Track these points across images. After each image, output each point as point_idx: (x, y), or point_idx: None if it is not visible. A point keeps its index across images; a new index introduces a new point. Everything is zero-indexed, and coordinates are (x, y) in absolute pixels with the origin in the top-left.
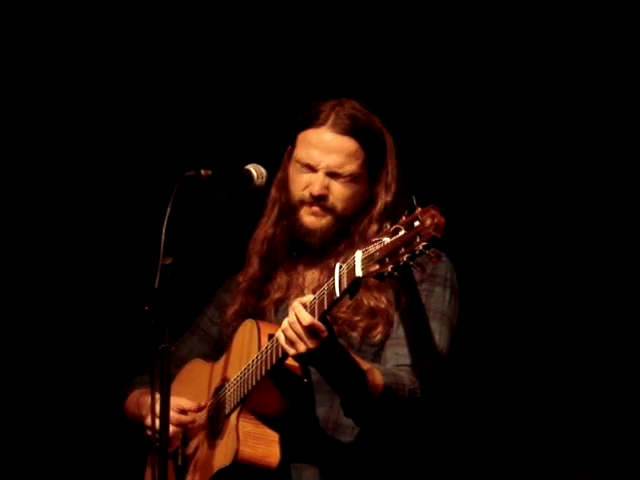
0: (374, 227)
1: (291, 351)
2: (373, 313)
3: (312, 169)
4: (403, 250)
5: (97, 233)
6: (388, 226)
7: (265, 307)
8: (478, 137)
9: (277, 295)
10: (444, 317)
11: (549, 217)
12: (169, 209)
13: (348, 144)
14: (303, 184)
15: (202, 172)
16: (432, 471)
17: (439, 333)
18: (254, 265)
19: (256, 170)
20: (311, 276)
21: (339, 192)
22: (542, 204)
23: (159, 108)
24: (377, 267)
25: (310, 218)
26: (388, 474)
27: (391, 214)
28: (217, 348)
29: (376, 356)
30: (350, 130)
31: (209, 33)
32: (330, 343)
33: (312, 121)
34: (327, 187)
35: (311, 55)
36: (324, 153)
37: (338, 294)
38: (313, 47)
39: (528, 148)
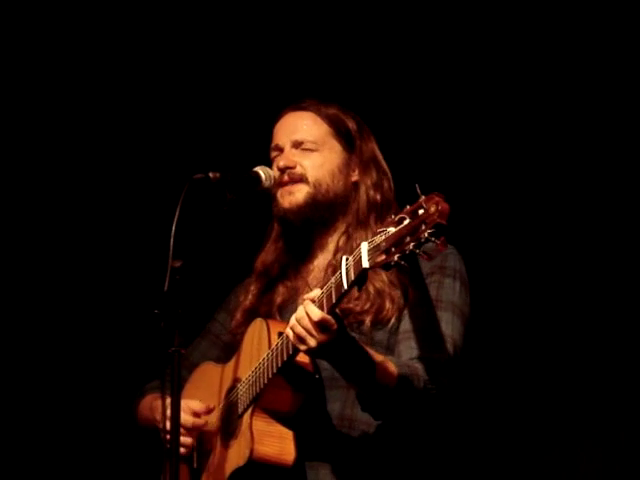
0: (363, 208)
1: (302, 347)
2: (379, 294)
3: (281, 149)
4: (409, 239)
5: (106, 237)
6: (393, 216)
7: (271, 309)
8: (482, 129)
9: (283, 297)
10: (455, 308)
11: (552, 210)
12: (178, 212)
13: (307, 115)
14: (276, 166)
15: (210, 175)
16: (448, 464)
17: (452, 324)
18: (260, 274)
19: (264, 172)
20: (318, 274)
21: (307, 161)
22: (545, 198)
23: (168, 112)
24: (383, 257)
25: (285, 198)
26: (405, 470)
27: (381, 203)
28: (228, 353)
29: (390, 342)
30: (310, 106)
31: (217, 36)
32: (340, 336)
33: (281, 113)
34: (294, 159)
35: (319, 61)
36: (287, 131)
37: (346, 286)
38: (321, 51)
39: (531, 143)
